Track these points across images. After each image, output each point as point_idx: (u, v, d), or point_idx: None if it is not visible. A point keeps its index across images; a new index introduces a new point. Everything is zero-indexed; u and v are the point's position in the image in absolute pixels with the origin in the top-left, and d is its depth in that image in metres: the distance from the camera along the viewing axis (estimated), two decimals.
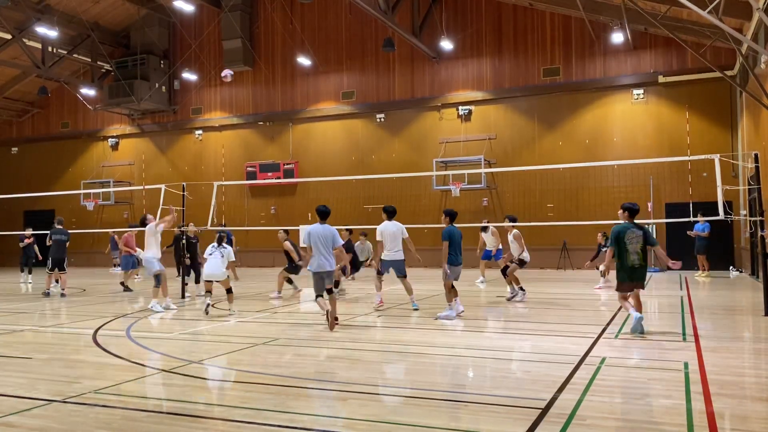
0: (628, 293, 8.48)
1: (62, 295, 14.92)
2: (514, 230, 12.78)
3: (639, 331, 8.12)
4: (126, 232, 17.55)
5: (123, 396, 5.60)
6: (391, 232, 11.45)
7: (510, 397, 5.35)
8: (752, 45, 12.23)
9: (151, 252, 12.27)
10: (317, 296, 9.42)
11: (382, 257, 11.51)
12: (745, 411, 4.94)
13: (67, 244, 15.82)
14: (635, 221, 8.51)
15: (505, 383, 5.94)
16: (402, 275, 11.48)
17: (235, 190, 26.93)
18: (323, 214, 9.69)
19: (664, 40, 20.72)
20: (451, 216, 10.44)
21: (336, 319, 9.32)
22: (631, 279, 8.38)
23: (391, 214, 11.61)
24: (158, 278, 12.08)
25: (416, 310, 11.21)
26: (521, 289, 12.70)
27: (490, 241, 16.37)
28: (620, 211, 8.69)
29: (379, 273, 11.75)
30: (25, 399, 5.46)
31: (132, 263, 16.79)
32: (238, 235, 25.95)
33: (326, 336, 8.70)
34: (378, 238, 11.49)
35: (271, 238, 25.36)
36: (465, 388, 5.65)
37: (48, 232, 16.19)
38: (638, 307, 8.43)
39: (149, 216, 12.96)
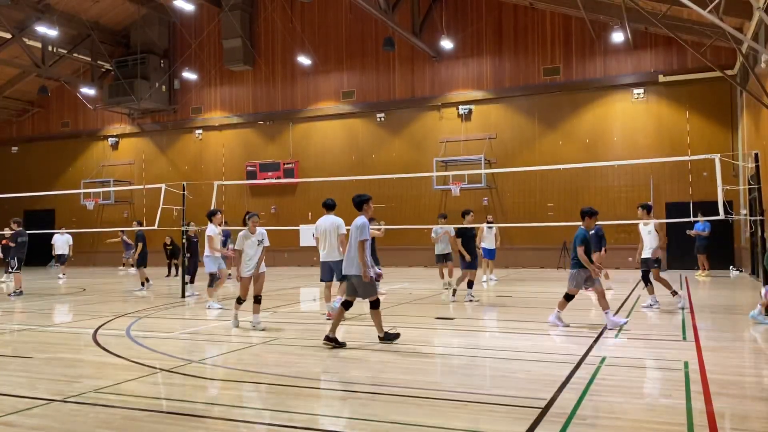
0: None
1: (17, 293, 14.87)
2: None
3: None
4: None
5: (123, 395, 5.59)
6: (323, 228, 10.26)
7: (510, 396, 5.35)
8: (752, 44, 12.22)
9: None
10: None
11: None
12: (746, 410, 4.94)
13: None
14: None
15: (506, 383, 5.94)
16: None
17: (236, 189, 26.92)
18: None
19: (665, 40, 20.72)
20: (590, 214, 9.21)
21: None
22: None
23: (330, 207, 10.29)
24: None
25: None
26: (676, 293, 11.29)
27: (491, 238, 16.43)
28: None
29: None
30: (25, 398, 5.45)
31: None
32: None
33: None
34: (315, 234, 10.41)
35: (271, 238, 25.30)
36: (465, 387, 5.64)
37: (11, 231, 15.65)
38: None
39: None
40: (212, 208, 12.86)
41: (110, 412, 5.07)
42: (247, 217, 9.72)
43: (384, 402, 5.25)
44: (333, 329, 7.76)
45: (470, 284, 12.32)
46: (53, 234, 22.33)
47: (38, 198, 26.31)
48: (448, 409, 5.01)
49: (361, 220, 7.86)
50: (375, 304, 7.86)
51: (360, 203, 8.05)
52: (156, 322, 10.57)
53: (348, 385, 5.79)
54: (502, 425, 4.61)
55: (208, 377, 6.43)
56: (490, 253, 16.58)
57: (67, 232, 22.06)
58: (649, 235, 11.09)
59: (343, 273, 8.00)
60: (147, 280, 16.02)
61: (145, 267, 16.17)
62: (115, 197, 28.93)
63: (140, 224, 15.91)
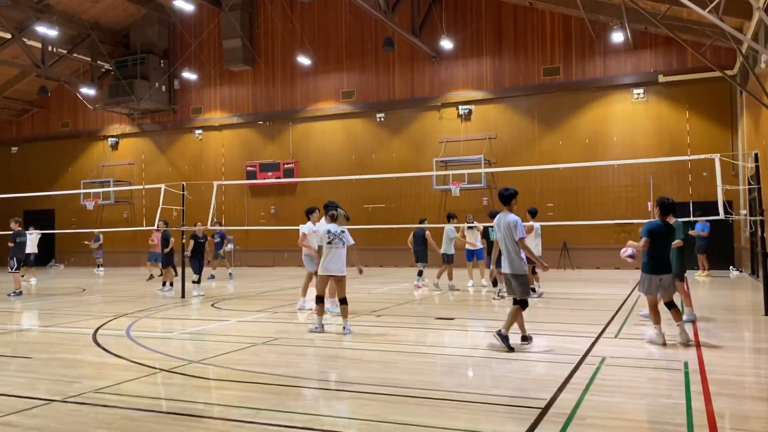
0: None
1: (17, 293, 14.89)
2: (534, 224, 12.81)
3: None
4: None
5: (123, 395, 5.60)
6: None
7: (510, 396, 5.35)
8: (752, 44, 12.21)
9: None
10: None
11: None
12: (745, 410, 4.94)
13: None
14: None
15: (505, 383, 5.94)
16: None
17: (235, 189, 26.93)
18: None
19: (664, 40, 20.72)
20: (663, 207, 8.36)
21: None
22: None
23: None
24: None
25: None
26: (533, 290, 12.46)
27: (473, 238, 15.18)
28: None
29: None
30: (25, 398, 5.45)
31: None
32: (239, 235, 25.95)
33: (326, 336, 8.70)
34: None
35: (271, 238, 25.37)
36: (465, 387, 5.64)
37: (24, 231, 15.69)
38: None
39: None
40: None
41: (110, 412, 5.07)
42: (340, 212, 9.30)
43: (384, 402, 5.25)
44: (522, 329, 7.62)
45: (495, 282, 12.82)
46: (47, 233, 21.28)
47: (38, 198, 26.30)
48: (448, 409, 5.01)
49: (513, 217, 7.56)
50: (522, 304, 7.57)
51: (509, 197, 7.62)
52: (156, 322, 10.57)
53: (348, 385, 5.79)
54: (501, 425, 4.61)
55: (208, 377, 6.43)
56: (478, 254, 15.32)
57: (35, 231, 20.50)
58: (537, 237, 12.67)
59: (502, 272, 7.72)
60: (171, 283, 15.79)
61: (174, 268, 16.15)
62: (115, 197, 28.94)
63: (166, 224, 15.85)
